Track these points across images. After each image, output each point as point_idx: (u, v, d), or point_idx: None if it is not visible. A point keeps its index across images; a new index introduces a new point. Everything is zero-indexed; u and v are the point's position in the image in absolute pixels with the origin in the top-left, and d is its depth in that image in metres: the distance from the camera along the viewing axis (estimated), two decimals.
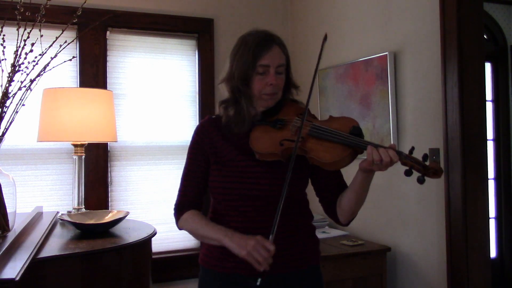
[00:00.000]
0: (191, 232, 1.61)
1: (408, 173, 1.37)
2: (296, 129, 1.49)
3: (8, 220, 1.81)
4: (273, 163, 1.51)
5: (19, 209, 2.05)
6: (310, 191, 1.67)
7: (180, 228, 1.63)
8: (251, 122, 1.57)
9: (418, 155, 1.39)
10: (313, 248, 1.64)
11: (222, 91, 1.60)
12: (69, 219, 2.21)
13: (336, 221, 1.62)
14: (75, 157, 2.59)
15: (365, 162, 1.41)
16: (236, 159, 1.55)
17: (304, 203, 1.65)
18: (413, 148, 1.41)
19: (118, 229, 2.23)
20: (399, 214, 2.63)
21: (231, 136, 1.58)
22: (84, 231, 2.16)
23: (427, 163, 1.37)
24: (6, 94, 1.80)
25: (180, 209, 1.62)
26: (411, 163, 1.37)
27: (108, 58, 3.10)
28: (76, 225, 2.17)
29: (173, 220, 1.65)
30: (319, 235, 2.84)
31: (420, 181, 1.35)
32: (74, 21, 1.96)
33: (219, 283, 1.58)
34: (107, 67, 3.09)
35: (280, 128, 1.54)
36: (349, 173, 1.57)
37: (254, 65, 1.50)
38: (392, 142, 2.56)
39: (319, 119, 1.61)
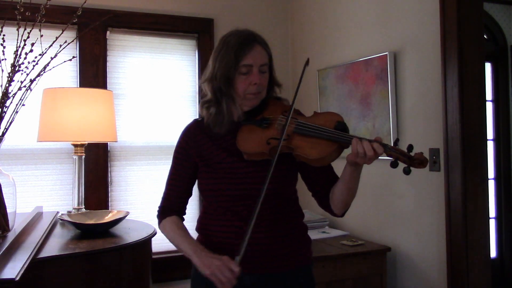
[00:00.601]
0: (167, 239, 1.63)
1: (394, 165, 1.38)
2: (282, 127, 1.49)
3: (8, 220, 1.80)
4: (261, 162, 1.51)
5: (19, 209, 2.04)
6: (305, 190, 1.67)
7: (161, 231, 1.66)
8: (230, 122, 1.56)
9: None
10: (306, 248, 1.64)
11: (204, 91, 1.59)
12: (69, 219, 2.21)
13: (331, 213, 1.62)
14: (75, 157, 2.58)
15: (351, 155, 1.42)
16: (224, 160, 1.55)
17: (293, 200, 1.65)
18: (397, 140, 1.43)
19: (118, 229, 2.22)
20: (399, 214, 2.63)
21: (218, 138, 1.58)
22: (84, 231, 2.16)
23: (412, 154, 1.38)
24: (6, 94, 1.80)
25: (162, 213, 1.65)
26: (396, 155, 1.38)
27: (108, 58, 3.10)
28: (76, 225, 2.17)
29: None
30: (319, 235, 2.87)
31: (406, 172, 1.37)
32: (74, 21, 1.95)
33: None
34: (107, 67, 3.09)
35: (266, 127, 1.54)
36: (340, 166, 1.57)
37: (237, 66, 1.50)
38: (392, 142, 2.56)
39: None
